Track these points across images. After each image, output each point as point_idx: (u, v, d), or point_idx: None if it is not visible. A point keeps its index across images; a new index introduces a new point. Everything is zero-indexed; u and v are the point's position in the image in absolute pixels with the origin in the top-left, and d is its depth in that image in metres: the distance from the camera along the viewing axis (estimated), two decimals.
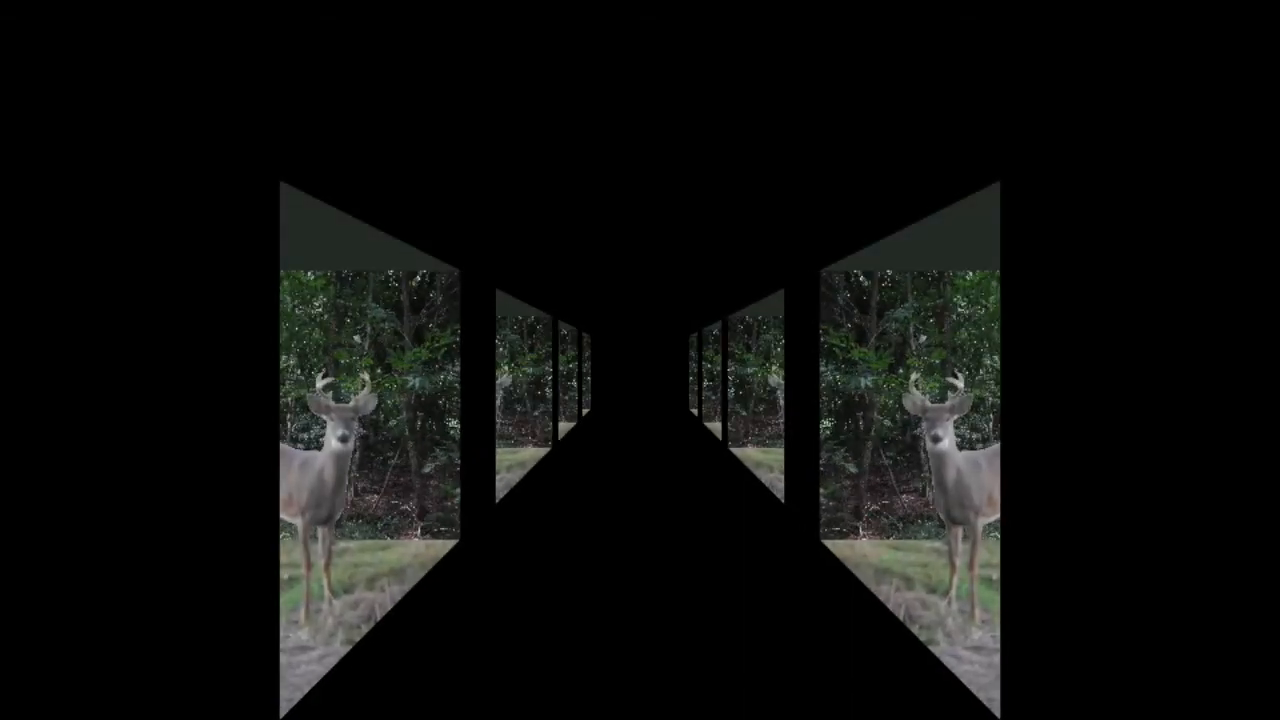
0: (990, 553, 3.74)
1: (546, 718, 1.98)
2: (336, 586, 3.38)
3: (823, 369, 4.01)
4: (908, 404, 3.23)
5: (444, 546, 4.02)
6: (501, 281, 4.97)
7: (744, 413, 8.26)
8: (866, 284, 4.07)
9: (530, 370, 8.19)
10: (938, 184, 2.26)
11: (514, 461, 7.45)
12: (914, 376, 3.65)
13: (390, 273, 4.14)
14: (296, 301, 4.10)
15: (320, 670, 2.52)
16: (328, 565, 3.30)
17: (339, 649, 2.72)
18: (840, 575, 3.22)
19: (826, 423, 4.04)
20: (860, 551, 3.87)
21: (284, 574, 3.53)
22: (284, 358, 4.09)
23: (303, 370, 4.06)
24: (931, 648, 2.67)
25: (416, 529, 4.10)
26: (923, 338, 4.07)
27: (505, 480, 6.55)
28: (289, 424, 4.09)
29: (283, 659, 2.60)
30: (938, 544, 4.02)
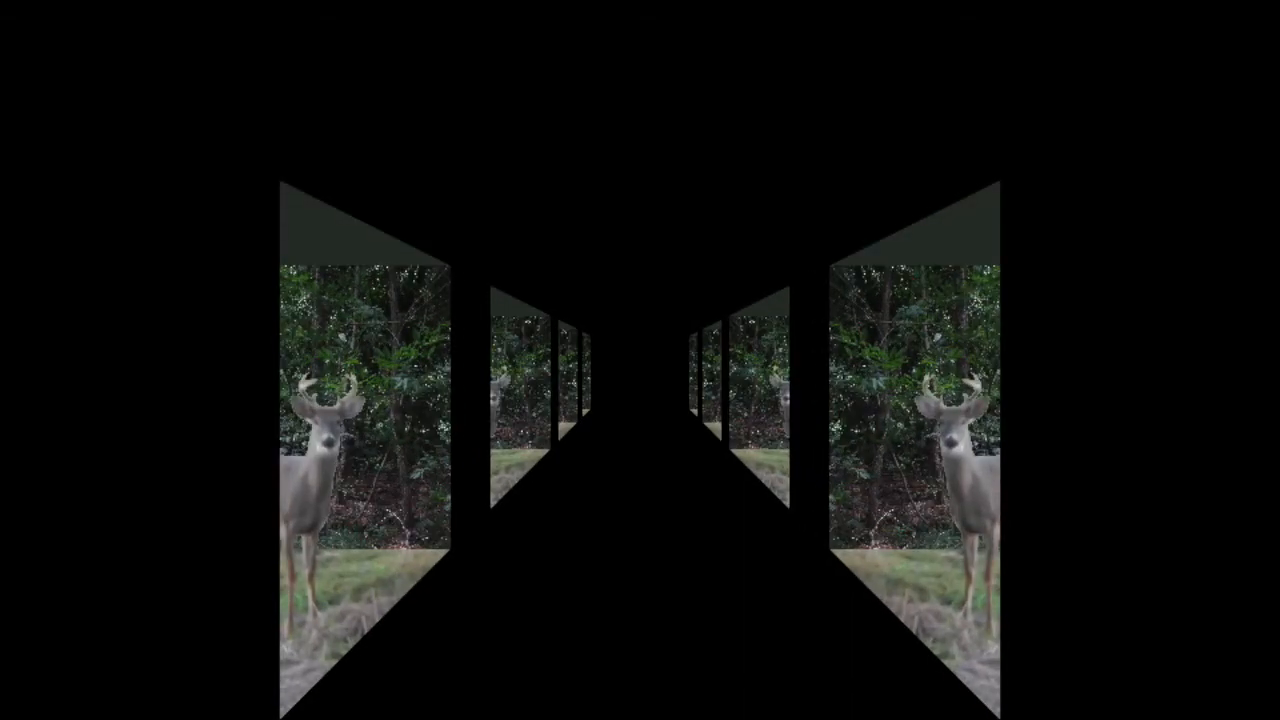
0: None
1: None
2: (321, 598, 3.40)
3: (832, 369, 4.02)
4: (921, 406, 3.25)
5: (434, 556, 4.03)
6: (496, 279, 4.98)
7: (745, 414, 8.42)
8: (879, 279, 4.08)
9: (529, 370, 8.36)
10: (937, 184, 2.34)
11: (512, 462, 7.65)
12: (928, 377, 3.66)
13: (377, 267, 4.15)
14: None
15: (304, 685, 2.54)
16: (312, 576, 3.32)
17: (324, 663, 2.73)
18: (850, 586, 3.23)
19: (836, 426, 4.05)
20: (871, 561, 3.89)
21: None
22: None
23: (285, 371, 4.07)
24: (946, 662, 2.68)
25: (405, 537, 4.12)
26: (938, 336, 4.08)
27: (504, 481, 6.71)
28: None
29: None
30: (953, 553, 4.03)
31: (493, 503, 5.53)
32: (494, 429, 8.51)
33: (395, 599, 3.35)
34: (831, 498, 4.04)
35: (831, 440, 4.05)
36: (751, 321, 8.56)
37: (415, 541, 4.12)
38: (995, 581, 3.14)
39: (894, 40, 1.56)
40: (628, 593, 3.15)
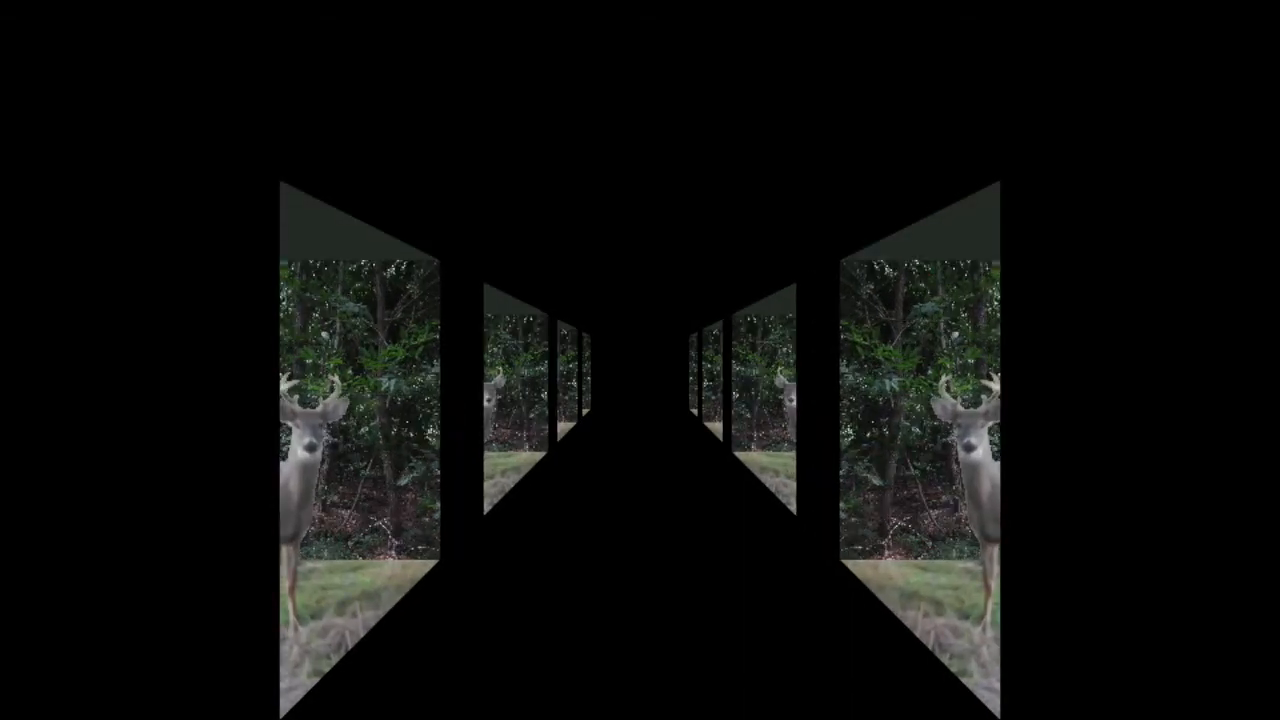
0: None
1: None
2: (303, 612, 3.38)
3: (843, 369, 4.00)
4: (938, 409, 3.22)
5: (423, 567, 4.01)
6: (490, 276, 4.97)
7: (748, 415, 8.57)
8: (892, 275, 4.05)
9: (526, 371, 8.53)
10: (937, 185, 2.42)
11: (508, 466, 7.75)
12: (945, 378, 3.64)
13: (362, 262, 4.13)
14: None
15: (284, 705, 2.51)
16: (292, 588, 3.29)
17: (305, 681, 2.71)
18: (862, 598, 3.22)
19: (847, 430, 4.03)
20: (884, 573, 3.87)
21: None
22: None
23: None
24: (964, 679, 2.66)
25: (392, 548, 4.09)
26: (955, 335, 4.06)
27: (499, 485, 6.74)
28: None
29: None
30: (971, 564, 4.01)
31: (487, 509, 5.53)
32: (490, 431, 8.63)
33: (381, 613, 3.33)
34: (842, 505, 4.03)
35: (842, 445, 4.03)
36: (754, 320, 8.68)
37: (403, 552, 4.10)
38: None
39: (894, 42, 1.62)
40: (628, 605, 3.14)
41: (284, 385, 3.32)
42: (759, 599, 3.22)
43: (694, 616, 3.01)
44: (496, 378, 8.53)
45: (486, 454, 8.62)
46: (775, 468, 7.66)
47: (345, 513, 4.09)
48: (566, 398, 11.88)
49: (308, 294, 4.11)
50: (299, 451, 3.20)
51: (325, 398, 3.65)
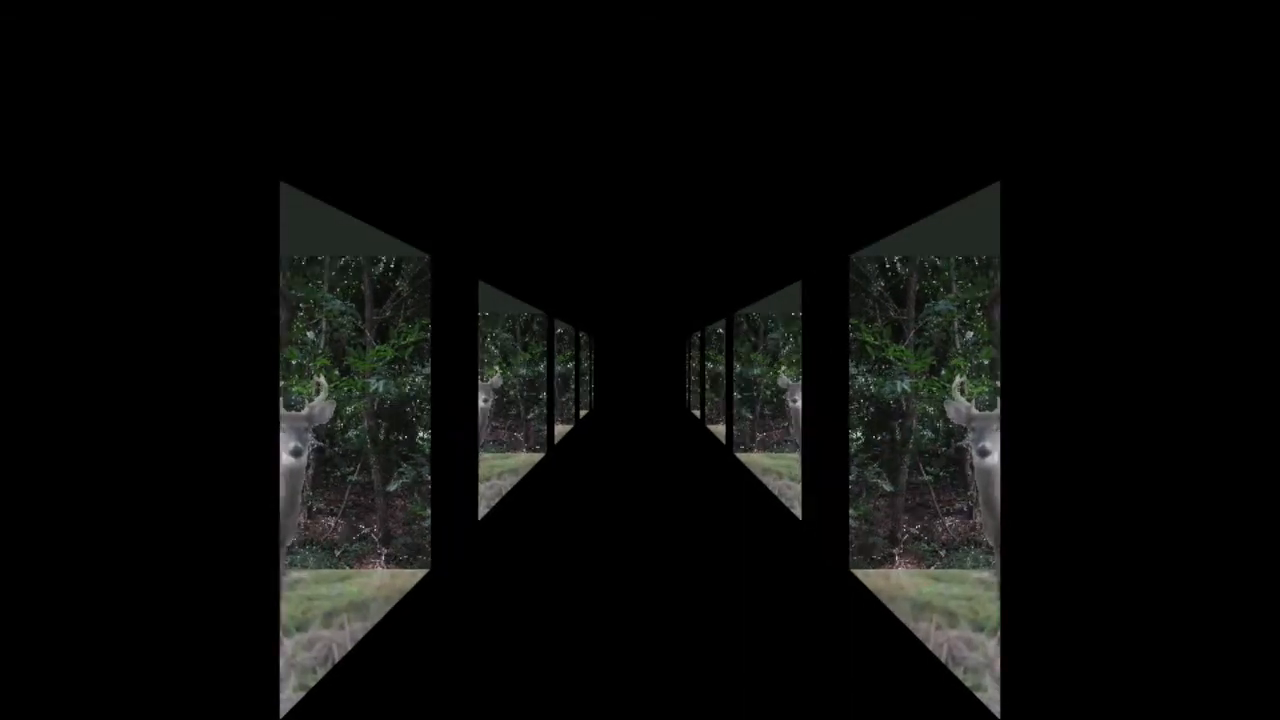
0: None
1: None
2: (288, 623, 3.37)
3: (852, 370, 4.00)
4: (951, 412, 3.22)
5: (413, 576, 4.01)
6: (485, 273, 4.97)
7: (750, 416, 8.72)
8: (904, 271, 4.05)
9: (524, 371, 8.69)
10: (936, 185, 2.50)
11: (505, 468, 7.97)
12: (959, 380, 3.63)
13: (349, 258, 4.12)
14: None
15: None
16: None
17: (291, 695, 2.71)
18: (872, 609, 3.23)
19: (857, 433, 4.03)
20: (896, 582, 3.87)
21: None
22: None
23: None
24: (978, 694, 2.66)
25: (381, 556, 4.10)
26: (969, 334, 4.05)
27: (496, 488, 6.90)
28: None
29: None
30: (986, 574, 4.01)
31: (483, 513, 5.53)
32: (487, 432, 8.79)
33: (370, 624, 3.33)
34: (852, 512, 4.02)
35: (852, 449, 4.03)
36: (756, 318, 8.81)
37: (392, 561, 4.10)
38: None
39: (894, 42, 1.68)
40: (628, 617, 3.14)
41: None
42: (764, 609, 3.22)
43: (697, 628, 3.01)
44: (494, 378, 8.68)
45: (483, 456, 8.79)
46: (778, 469, 7.80)
47: (332, 520, 4.09)
48: (565, 398, 12.12)
49: (292, 291, 4.10)
50: (284, 456, 3.20)
51: (311, 400, 3.64)
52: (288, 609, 3.55)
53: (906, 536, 4.06)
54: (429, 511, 4.04)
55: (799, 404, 7.72)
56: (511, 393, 8.74)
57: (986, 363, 4.05)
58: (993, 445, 3.10)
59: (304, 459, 3.21)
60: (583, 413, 14.91)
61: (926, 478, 4.05)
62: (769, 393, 8.73)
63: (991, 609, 3.50)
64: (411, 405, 4.07)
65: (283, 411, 3.26)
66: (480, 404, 8.18)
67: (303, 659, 3.02)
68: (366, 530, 4.10)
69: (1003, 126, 1.98)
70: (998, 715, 2.21)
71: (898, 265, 4.05)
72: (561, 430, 11.86)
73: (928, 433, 4.04)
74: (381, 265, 4.12)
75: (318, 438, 4.03)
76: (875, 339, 4.03)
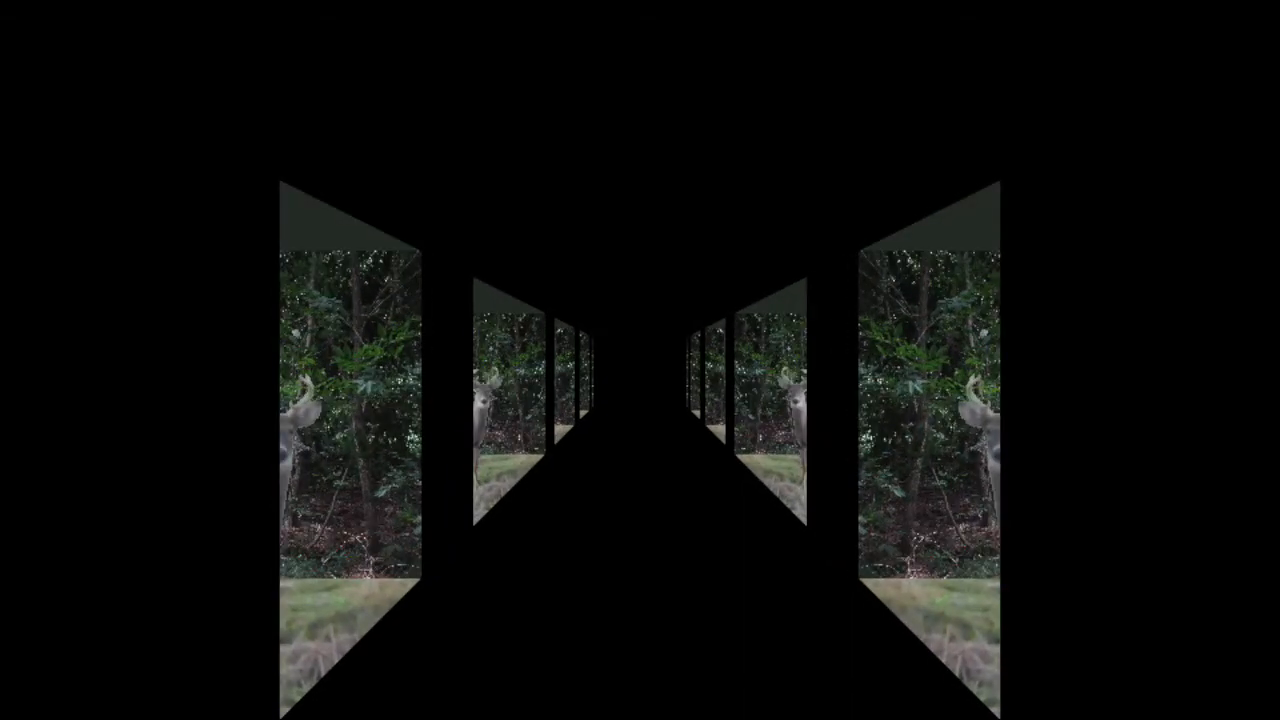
0: None
1: None
2: None
3: (860, 370, 3.99)
4: (965, 414, 3.20)
5: (403, 586, 4.00)
6: (480, 270, 4.97)
7: (751, 417, 8.92)
8: (915, 267, 4.03)
9: (522, 370, 8.92)
10: (936, 185, 2.58)
11: (503, 470, 8.21)
12: (973, 380, 3.61)
13: (336, 253, 4.10)
14: None
15: None
16: None
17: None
18: (883, 620, 3.23)
19: (866, 436, 4.01)
20: (907, 592, 3.87)
21: None
22: None
23: None
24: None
25: (369, 565, 4.08)
26: (984, 333, 4.03)
27: (495, 489, 7.06)
28: None
29: None
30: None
31: (480, 515, 5.53)
32: (485, 434, 8.99)
33: (357, 636, 3.31)
34: (861, 519, 4.01)
35: (861, 453, 4.02)
36: (757, 317, 8.97)
37: (381, 569, 4.09)
38: None
39: (894, 42, 1.73)
40: (627, 629, 3.13)
41: None
42: (769, 620, 3.22)
43: (699, 640, 3.00)
44: (491, 378, 8.88)
45: (481, 457, 8.97)
46: (779, 471, 8.00)
47: (318, 527, 4.08)
48: (565, 398, 12.44)
49: None
50: None
51: (295, 401, 3.62)
52: None
53: (918, 544, 4.04)
54: (420, 518, 4.02)
55: (800, 405, 7.79)
56: (510, 393, 8.93)
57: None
58: None
59: (289, 463, 3.19)
60: (583, 413, 15.20)
61: (939, 482, 4.04)
62: (771, 393, 8.92)
63: None
64: (401, 407, 4.05)
65: None
66: (479, 405, 8.27)
67: (288, 672, 2.99)
68: (354, 538, 4.09)
69: (1003, 126, 2.05)
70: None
71: (909, 260, 4.03)
72: (562, 430, 12.10)
73: (940, 435, 4.03)
74: (370, 260, 4.10)
75: (303, 441, 4.02)
76: (885, 337, 4.01)
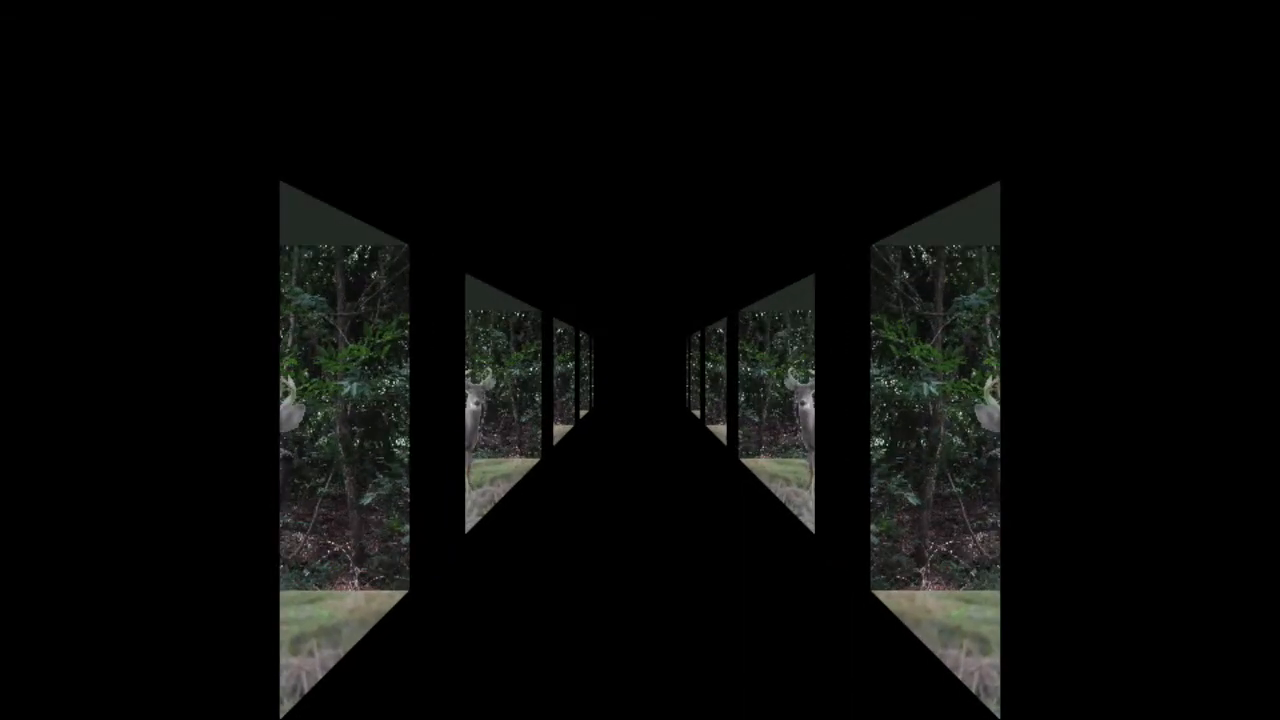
0: None
1: None
2: None
3: (872, 371, 3.96)
4: (983, 417, 3.16)
5: (390, 598, 3.97)
6: (472, 265, 4.95)
7: (756, 419, 9.06)
8: (930, 262, 3.99)
9: (518, 371, 9.08)
10: (935, 185, 2.65)
11: (498, 474, 8.29)
12: (991, 382, 3.57)
13: (320, 248, 4.06)
14: None
15: None
16: None
17: None
18: (896, 634, 3.21)
19: (879, 440, 3.98)
20: (922, 605, 3.84)
21: None
22: None
23: None
24: None
25: (354, 576, 4.05)
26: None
27: (489, 495, 7.10)
28: None
29: None
30: None
31: (473, 523, 5.52)
32: (479, 437, 9.12)
33: (342, 651, 3.29)
34: (873, 527, 3.98)
35: (873, 458, 3.99)
36: (761, 316, 9.08)
37: (367, 581, 4.06)
38: None
39: (894, 41, 1.78)
40: (626, 642, 3.12)
41: None
42: (777, 631, 3.20)
43: (703, 654, 2.99)
44: (486, 379, 9.01)
45: (476, 461, 9.06)
46: (785, 475, 8.06)
47: (300, 536, 4.05)
48: (565, 398, 12.67)
49: None
50: None
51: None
52: None
53: (934, 554, 4.02)
54: (408, 526, 3.99)
55: (807, 407, 7.82)
56: (505, 394, 9.05)
57: None
58: None
59: None
60: (582, 413, 15.47)
61: (956, 489, 4.01)
62: (776, 394, 9.05)
63: None
64: (389, 410, 4.02)
65: None
66: (471, 407, 8.31)
67: None
68: (338, 547, 4.06)
69: (1003, 126, 2.12)
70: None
71: (924, 255, 3.99)
72: (561, 431, 12.23)
73: (957, 440, 4.00)
74: (356, 255, 4.06)
75: (285, 446, 3.99)
76: (899, 337, 3.98)
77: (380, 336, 4.04)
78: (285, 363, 4.03)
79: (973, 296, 4.00)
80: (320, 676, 2.99)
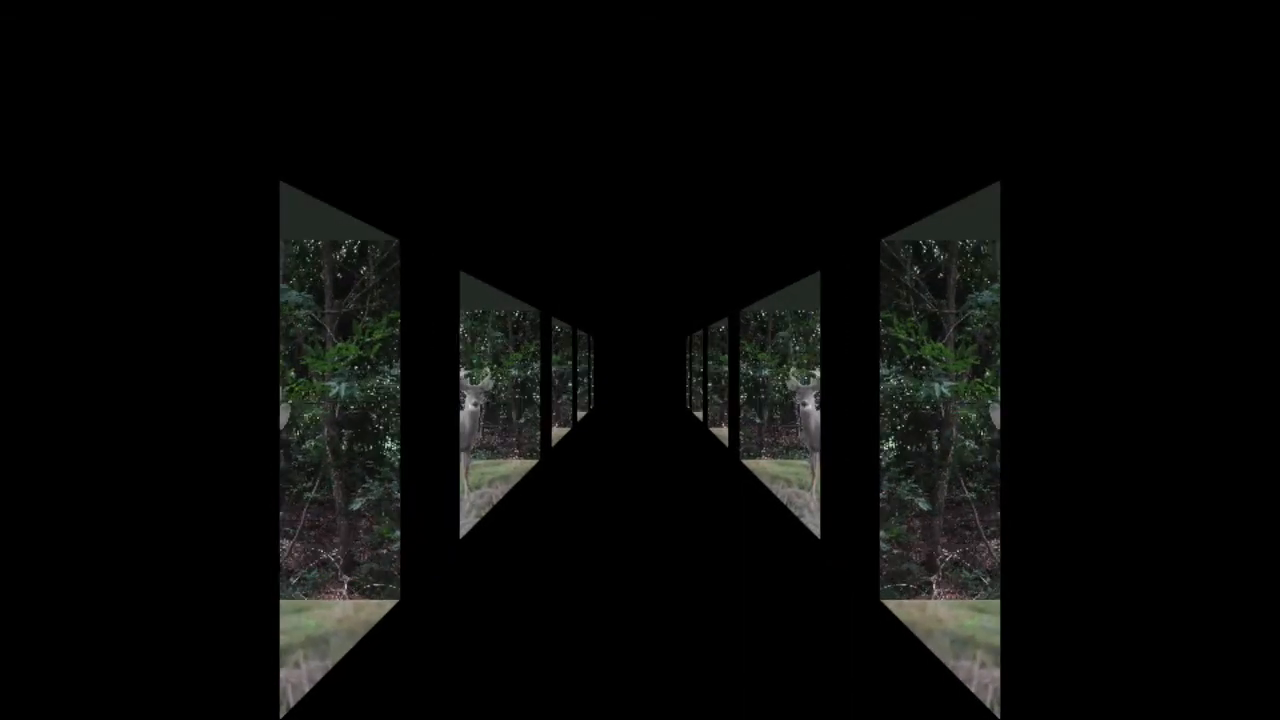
0: None
1: None
2: None
3: (882, 371, 3.93)
4: (996, 419, 3.14)
5: (380, 608, 3.95)
6: (467, 262, 4.95)
7: (758, 420, 9.24)
8: (942, 258, 3.96)
9: (516, 371, 9.25)
10: (935, 185, 2.69)
11: (495, 476, 8.45)
12: None
13: (308, 243, 4.04)
14: None
15: None
16: None
17: None
18: (906, 645, 3.20)
19: (889, 444, 3.95)
20: (933, 615, 3.83)
21: None
22: None
23: None
24: None
25: (343, 584, 4.04)
26: None
27: (487, 497, 7.21)
28: None
29: None
30: None
31: (469, 527, 5.52)
32: (477, 438, 9.23)
33: (330, 663, 3.27)
34: (882, 534, 3.95)
35: (883, 461, 3.96)
36: (763, 315, 9.25)
37: (356, 590, 4.04)
38: None
39: (894, 41, 1.82)
40: (626, 650, 3.11)
41: None
42: (781, 643, 3.19)
43: (705, 665, 2.98)
44: (484, 380, 9.16)
45: (473, 463, 9.20)
46: (786, 477, 8.23)
47: (286, 543, 4.03)
48: (564, 399, 12.91)
49: None
50: None
51: None
52: None
53: (945, 562, 4.00)
54: (399, 533, 3.96)
55: (810, 408, 7.84)
56: (503, 395, 9.22)
57: None
58: None
59: None
60: (581, 414, 15.79)
61: (969, 495, 4.00)
62: (778, 395, 9.23)
63: None
64: (379, 411, 3.99)
65: None
66: (469, 407, 8.34)
67: None
68: (326, 555, 4.05)
69: (1003, 126, 2.17)
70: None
71: (935, 251, 3.96)
72: (560, 432, 12.43)
73: (970, 443, 3.98)
74: (344, 251, 4.03)
75: None
76: (909, 335, 3.95)
77: (370, 335, 4.00)
78: None
79: (986, 293, 3.97)
80: (307, 689, 2.97)
